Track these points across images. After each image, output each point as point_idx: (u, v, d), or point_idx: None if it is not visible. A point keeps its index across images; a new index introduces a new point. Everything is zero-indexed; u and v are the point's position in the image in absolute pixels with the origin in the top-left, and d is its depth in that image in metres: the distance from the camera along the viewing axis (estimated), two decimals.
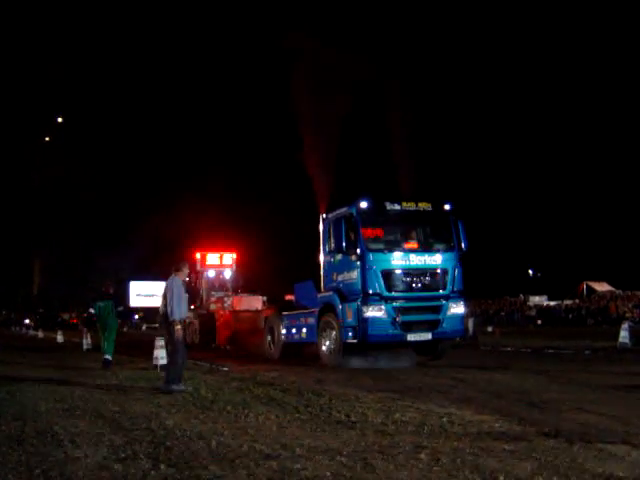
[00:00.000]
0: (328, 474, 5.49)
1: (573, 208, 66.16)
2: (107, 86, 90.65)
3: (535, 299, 56.36)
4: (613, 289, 53.25)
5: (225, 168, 75.70)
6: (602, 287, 55.71)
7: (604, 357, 17.86)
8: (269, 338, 19.80)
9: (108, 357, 16.35)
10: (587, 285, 56.87)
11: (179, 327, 11.25)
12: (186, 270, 12.39)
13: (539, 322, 46.69)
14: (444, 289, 15.72)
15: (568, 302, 52.12)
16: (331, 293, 16.33)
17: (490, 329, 34.64)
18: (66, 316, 75.57)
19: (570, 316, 47.48)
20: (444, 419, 7.85)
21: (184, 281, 12.09)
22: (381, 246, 15.75)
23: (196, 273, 28.06)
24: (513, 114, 75.63)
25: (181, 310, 11.39)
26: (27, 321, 72.76)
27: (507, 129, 75.84)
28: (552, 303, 54.01)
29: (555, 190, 69.37)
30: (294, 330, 18.21)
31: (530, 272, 68.23)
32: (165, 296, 11.47)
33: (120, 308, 17.96)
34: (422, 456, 6.06)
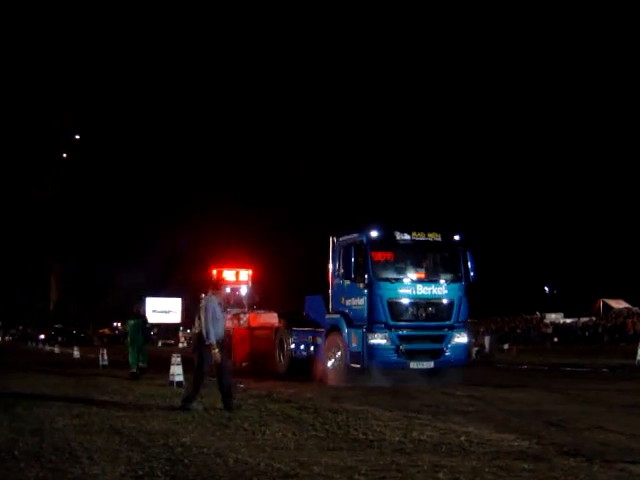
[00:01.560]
0: None
1: (589, 225, 65.86)
2: (124, 103, 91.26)
3: (551, 316, 55.96)
4: (630, 306, 52.80)
5: (240, 185, 76.10)
6: (619, 304, 55.25)
7: (622, 375, 17.75)
8: (279, 350, 19.99)
9: (134, 370, 19.02)
10: (603, 302, 56.39)
11: (216, 351, 10.69)
12: (224, 289, 11.85)
13: (555, 340, 46.37)
14: (449, 319, 15.99)
15: (584, 319, 51.72)
16: (338, 316, 16.54)
17: (506, 347, 34.48)
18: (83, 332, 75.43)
19: (586, 333, 47.11)
20: (462, 438, 7.80)
21: (220, 301, 11.56)
22: (389, 275, 15.97)
23: None
24: (527, 131, 75.57)
25: (217, 331, 10.86)
26: (42, 336, 72.97)
27: (523, 147, 75.77)
28: (568, 320, 53.61)
29: (571, 207, 69.14)
30: (302, 346, 18.50)
31: (546, 289, 67.86)
32: (200, 316, 10.96)
33: (147, 326, 20.80)
34: (441, 475, 6.02)
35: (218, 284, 11.63)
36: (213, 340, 10.72)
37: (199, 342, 10.94)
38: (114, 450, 7.25)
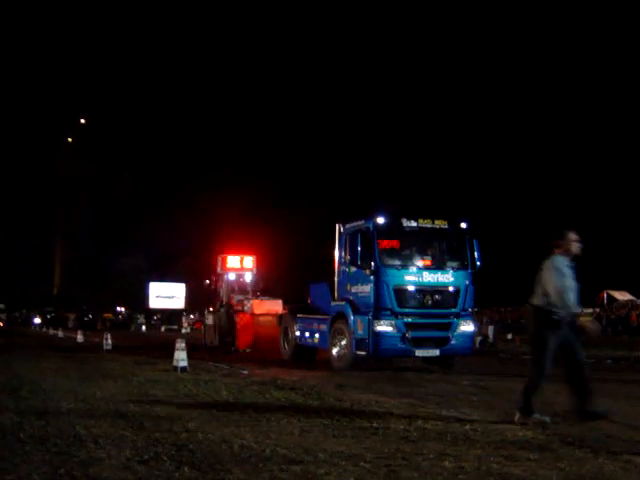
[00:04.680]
0: None
1: (594, 216, 65.74)
2: (130, 90, 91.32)
3: None
4: (634, 298, 52.77)
5: (246, 170, 76.09)
6: (623, 296, 55.20)
7: (627, 367, 17.72)
8: (283, 338, 20.04)
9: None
10: (607, 294, 56.35)
11: (588, 319, 8.22)
12: (574, 244, 8.46)
13: None
14: (455, 307, 15.98)
15: (588, 310, 51.69)
16: (344, 303, 16.51)
17: (509, 337, 34.44)
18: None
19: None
20: (467, 427, 7.80)
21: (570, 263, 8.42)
22: (395, 262, 15.94)
23: (216, 275, 28.14)
24: (532, 122, 75.37)
25: (568, 304, 8.02)
26: (37, 320, 73.10)
27: (528, 138, 75.58)
28: None
29: (576, 198, 69.01)
30: (307, 334, 18.51)
31: None
32: (542, 283, 8.24)
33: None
34: (446, 464, 6.02)
35: (566, 235, 8.38)
36: (575, 308, 8.03)
37: (540, 320, 8.18)
38: (119, 434, 7.26)
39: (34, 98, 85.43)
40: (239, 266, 27.58)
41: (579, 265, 8.55)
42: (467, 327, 16.08)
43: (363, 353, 15.52)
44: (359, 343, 15.54)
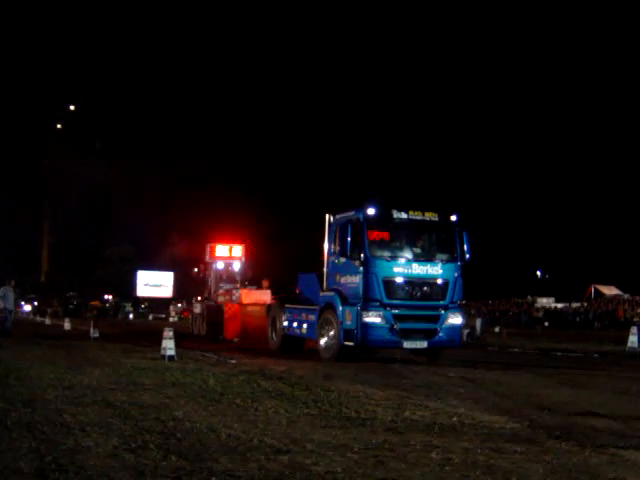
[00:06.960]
0: (339, 470, 5.46)
1: (583, 211, 66.05)
2: (121, 76, 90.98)
3: (542, 301, 56.22)
4: (621, 293, 53.11)
5: (236, 159, 75.97)
6: (610, 291, 55.56)
7: (613, 361, 17.82)
8: (271, 328, 20.04)
9: None
10: (595, 288, 56.67)
11: None
12: None
13: (546, 324, 46.55)
14: (444, 299, 15.96)
15: (576, 305, 51.96)
16: (333, 294, 16.47)
17: (497, 330, 34.56)
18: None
19: (577, 319, 47.34)
20: (454, 419, 7.82)
21: None
22: (385, 253, 15.91)
23: (205, 264, 28.09)
24: (523, 118, 75.53)
25: None
26: (27, 308, 72.73)
27: (519, 132, 75.75)
28: (559, 305, 53.86)
29: (565, 192, 69.28)
30: (295, 324, 18.48)
31: (538, 274, 68.02)
32: None
33: None
34: (433, 455, 6.03)
35: None
36: None
37: None
38: (106, 422, 7.24)
39: (23, 80, 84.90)
40: (228, 255, 27.54)
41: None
42: (455, 319, 16.10)
43: (351, 344, 15.53)
44: (347, 334, 15.54)
